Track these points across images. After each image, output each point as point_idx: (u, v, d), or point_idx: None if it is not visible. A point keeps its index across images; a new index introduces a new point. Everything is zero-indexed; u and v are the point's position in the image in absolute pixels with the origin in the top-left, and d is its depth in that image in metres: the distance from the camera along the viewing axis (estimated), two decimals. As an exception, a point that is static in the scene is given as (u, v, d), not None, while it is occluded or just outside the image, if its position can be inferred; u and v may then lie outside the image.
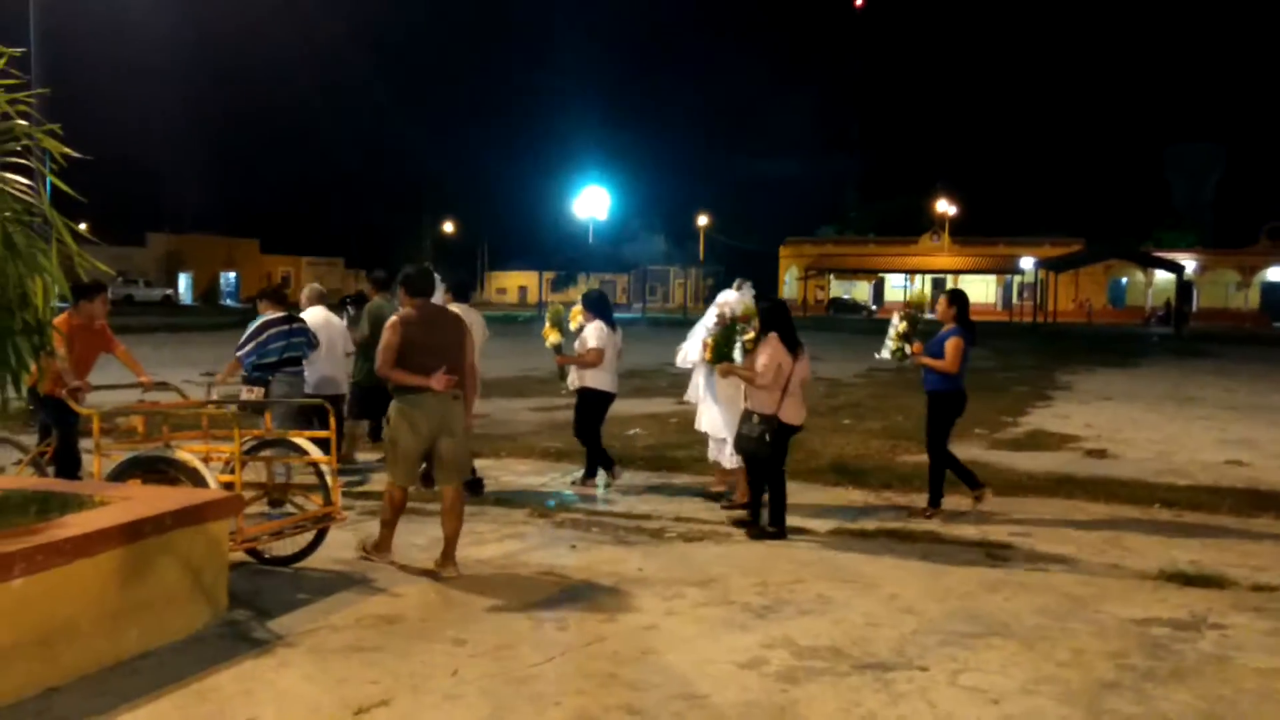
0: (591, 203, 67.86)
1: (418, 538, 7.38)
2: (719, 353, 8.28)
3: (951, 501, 8.67)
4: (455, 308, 7.73)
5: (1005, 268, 63.66)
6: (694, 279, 76.46)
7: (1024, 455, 11.55)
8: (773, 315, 8.10)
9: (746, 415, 7.96)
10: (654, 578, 6.64)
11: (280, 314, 9.18)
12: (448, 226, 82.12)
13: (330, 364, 10.01)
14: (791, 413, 7.84)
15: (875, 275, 69.78)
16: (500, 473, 9.94)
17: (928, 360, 8.42)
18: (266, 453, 7.01)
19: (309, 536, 6.74)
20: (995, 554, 7.28)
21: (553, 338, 9.70)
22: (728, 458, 8.55)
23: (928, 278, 65.16)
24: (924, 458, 10.47)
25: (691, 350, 8.87)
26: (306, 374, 9.47)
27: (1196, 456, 11.66)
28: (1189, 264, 61.15)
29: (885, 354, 8.62)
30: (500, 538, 7.61)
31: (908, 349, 8.53)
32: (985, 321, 53.33)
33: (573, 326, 9.63)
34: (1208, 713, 4.70)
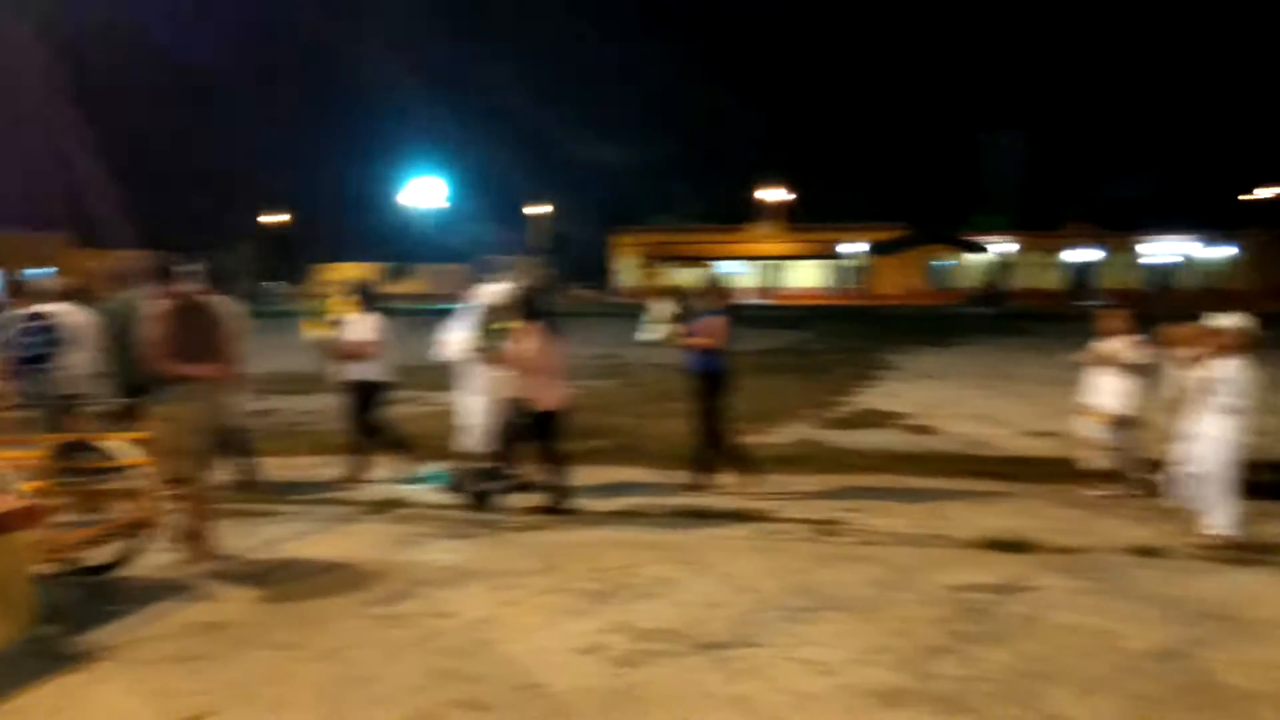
0: (424, 192, 66.60)
1: (249, 539, 7.12)
2: (484, 341, 8.41)
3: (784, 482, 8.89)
4: (216, 299, 7.50)
5: (834, 253, 65.67)
6: (533, 268, 76.17)
7: (852, 433, 11.91)
8: (531, 303, 8.22)
9: (511, 402, 8.10)
10: (490, 569, 6.58)
11: (29, 309, 8.66)
12: (278, 217, 79.40)
13: (82, 362, 9.39)
14: (552, 397, 7.98)
15: (707, 262, 70.90)
16: (320, 470, 9.63)
17: (698, 340, 8.63)
18: (78, 456, 6.61)
19: (127, 543, 6.40)
20: (827, 530, 7.49)
21: (317, 331, 9.49)
22: (485, 443, 8.57)
23: (759, 263, 66.73)
24: (760, 439, 10.69)
25: (455, 341, 8.92)
26: (58, 371, 8.91)
27: (1011, 429, 12.24)
28: (1004, 247, 64.38)
29: (650, 335, 8.86)
30: (328, 535, 7.41)
31: (672, 331, 8.86)
32: (815, 305, 54.94)
33: (333, 319, 9.43)
34: (1025, 670, 4.95)
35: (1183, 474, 7.09)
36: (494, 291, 8.67)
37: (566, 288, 63.41)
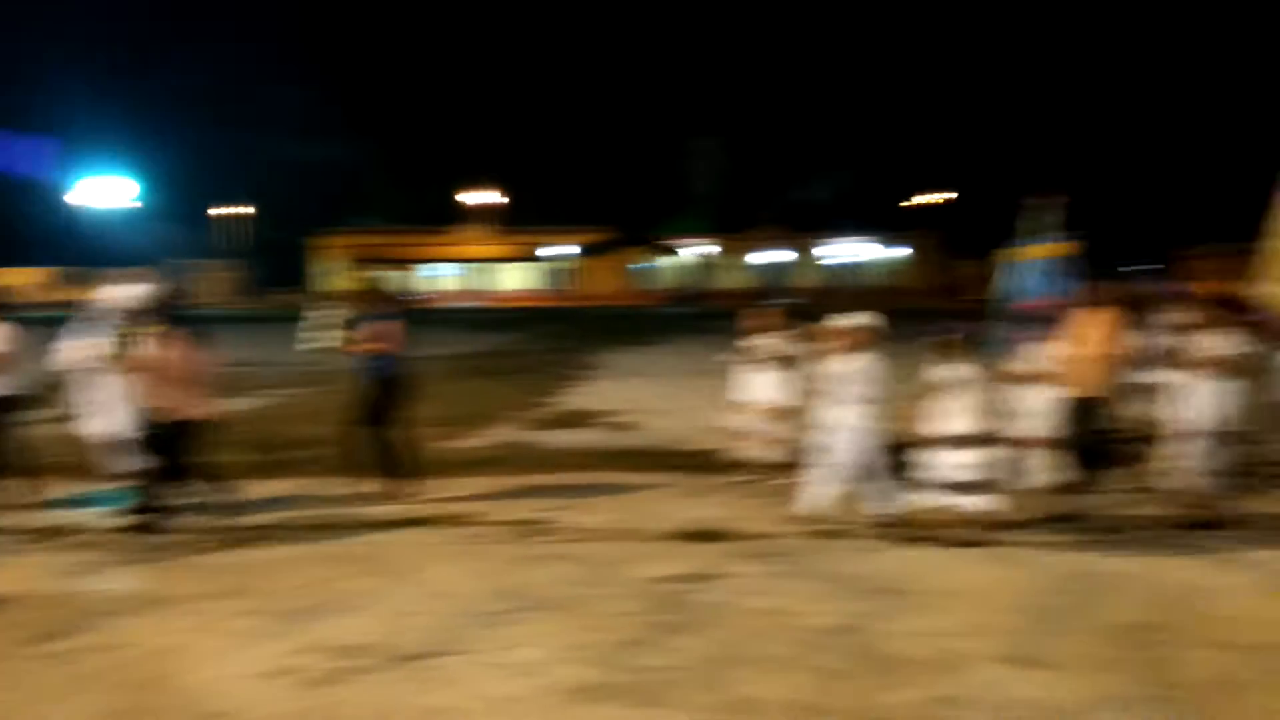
0: (106, 191, 61.61)
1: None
2: (115, 348, 7.95)
3: (475, 484, 8.84)
4: None
5: (543, 255, 66.37)
6: (234, 272, 72.09)
7: (557, 433, 12.00)
8: (168, 308, 7.83)
9: (149, 412, 7.55)
10: (175, 594, 6.13)
11: None
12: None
13: None
14: (192, 407, 7.51)
15: (413, 265, 69.68)
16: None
17: (367, 345, 8.46)
18: None
19: None
20: (529, 531, 7.49)
21: None
22: (128, 460, 8.06)
23: (467, 266, 66.42)
24: (462, 442, 10.57)
25: (73, 348, 8.40)
26: None
27: (708, 424, 12.71)
28: (703, 249, 67.23)
29: (313, 343, 8.60)
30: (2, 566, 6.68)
31: (340, 337, 8.60)
32: (525, 307, 55.27)
33: None
34: (717, 656, 5.14)
35: (827, 461, 7.49)
36: (126, 295, 8.06)
37: (264, 292, 60.56)
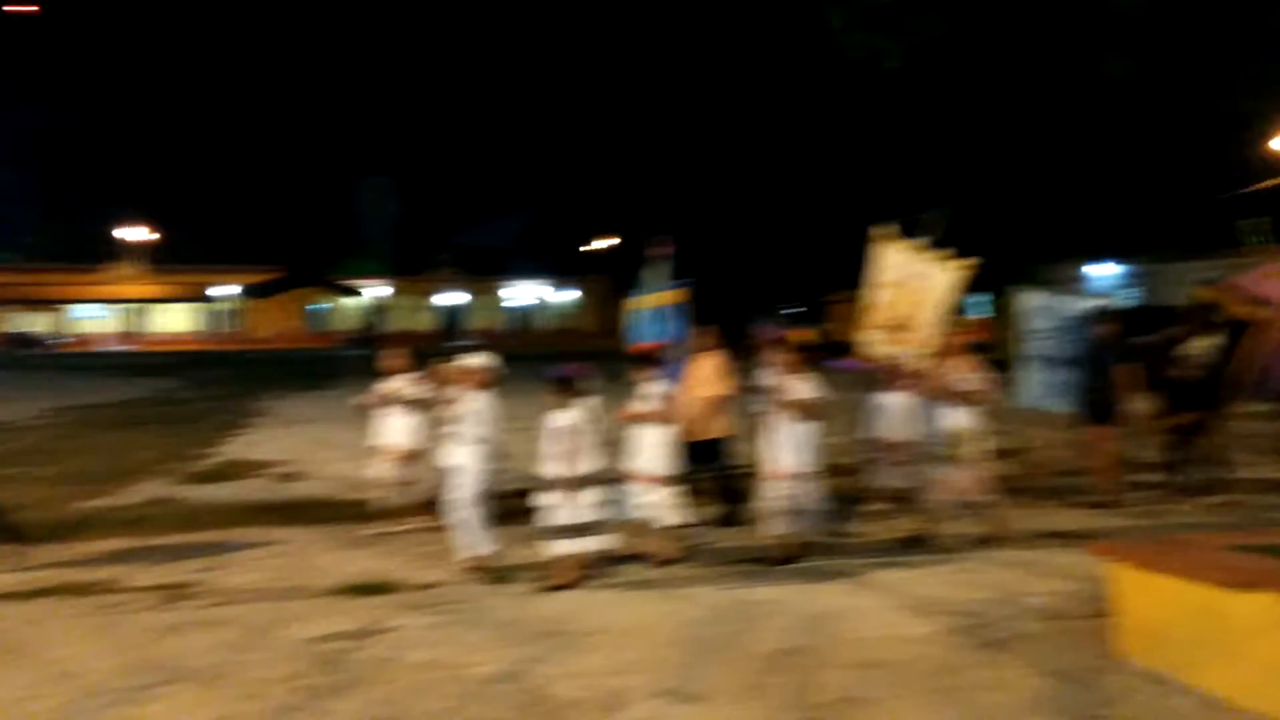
0: None
1: None
2: None
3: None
4: None
5: (206, 296, 62.67)
6: None
7: (216, 487, 11.29)
8: None
9: None
10: None
11: None
12: None
13: None
14: None
15: (62, 306, 63.79)
16: None
17: None
18: None
19: None
20: (176, 595, 6.96)
21: None
22: None
23: (122, 307, 61.52)
24: (105, 501, 9.77)
25: None
26: None
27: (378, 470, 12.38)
28: (379, 290, 65.86)
29: None
30: None
31: None
32: (185, 351, 51.86)
33: None
34: (375, 715, 4.96)
35: (450, 502, 7.48)
36: None
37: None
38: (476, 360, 7.60)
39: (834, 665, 5.52)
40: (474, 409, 7.41)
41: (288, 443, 15.00)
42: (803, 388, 7.78)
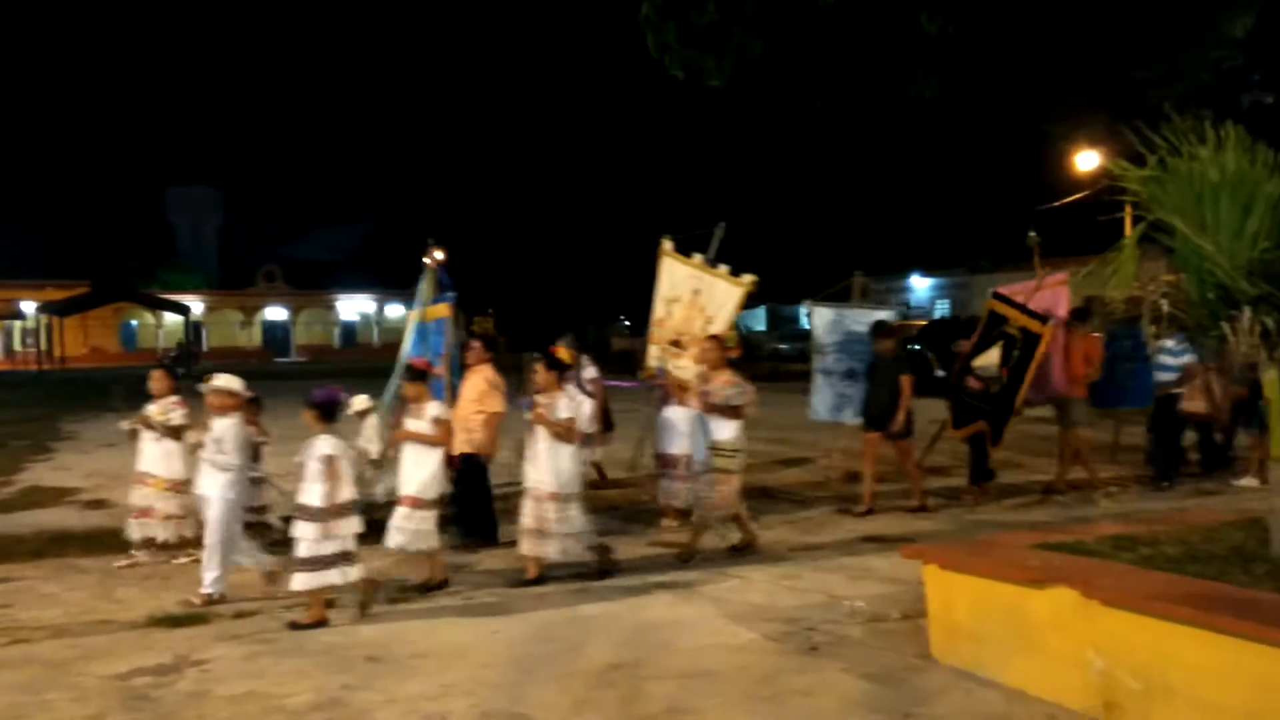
0: None
1: None
2: None
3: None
4: None
5: (3, 313, 58.73)
6: None
7: (16, 516, 10.60)
8: None
9: None
10: None
11: None
12: None
13: None
14: None
15: None
16: None
17: None
18: None
19: None
20: (-35, 635, 6.48)
21: None
22: None
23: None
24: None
25: None
26: None
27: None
28: (196, 305, 63.05)
29: None
30: None
31: None
32: (-17, 372, 48.52)
33: None
34: (181, 755, 4.71)
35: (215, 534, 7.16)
36: None
37: None
38: (223, 383, 7.35)
39: (661, 677, 5.56)
40: (220, 435, 7.15)
41: (93, 467, 14.21)
42: (563, 406, 7.62)
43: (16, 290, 59.14)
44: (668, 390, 9.72)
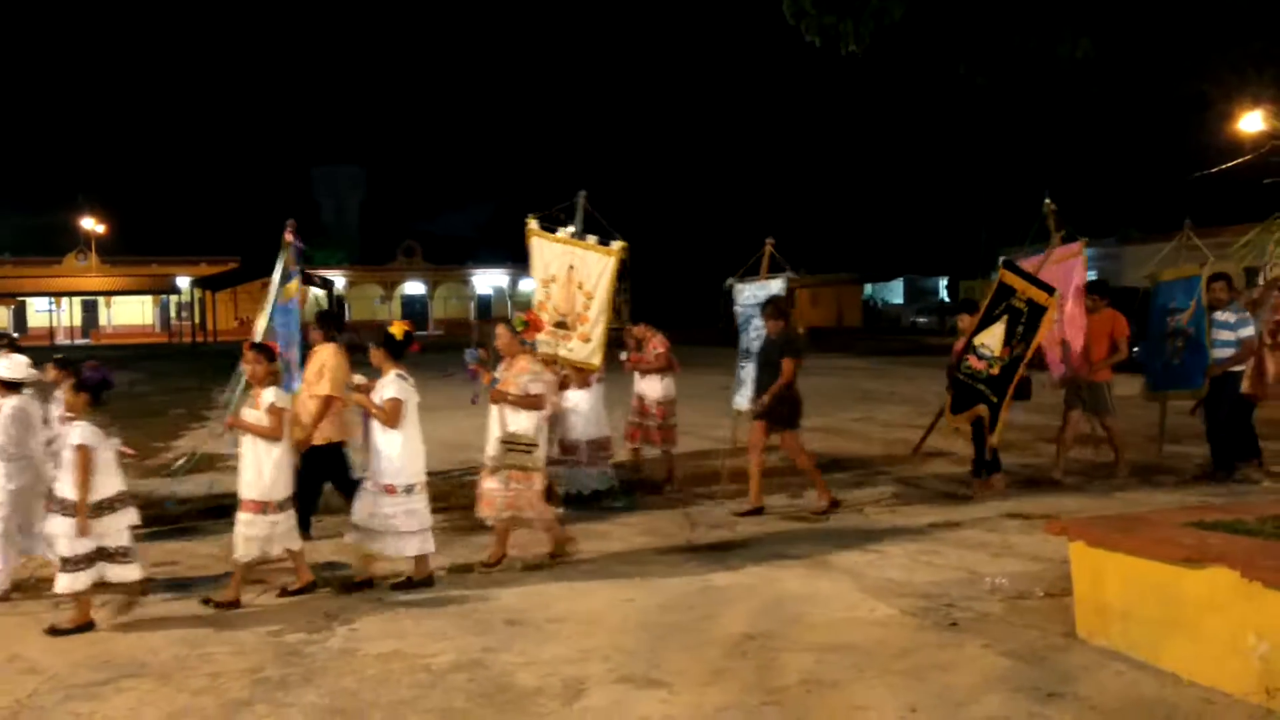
0: None
1: None
2: None
3: None
4: None
5: (161, 288, 61.70)
6: None
7: (188, 481, 11.15)
8: None
9: None
10: None
11: None
12: None
13: None
14: None
15: (15, 299, 62.60)
16: None
17: None
18: None
19: None
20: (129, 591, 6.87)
21: None
22: None
23: (76, 300, 60.51)
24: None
25: None
26: None
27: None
28: (339, 280, 65.17)
29: None
30: None
31: None
32: (143, 344, 51.19)
33: None
34: (332, 708, 4.90)
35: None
36: None
37: None
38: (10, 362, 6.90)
39: (796, 649, 5.53)
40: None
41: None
42: (392, 387, 6.85)
43: (172, 266, 62.04)
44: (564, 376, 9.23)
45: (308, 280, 59.79)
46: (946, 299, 51.70)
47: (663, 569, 7.21)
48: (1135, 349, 10.76)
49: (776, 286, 10.13)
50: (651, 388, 10.22)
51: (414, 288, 71.41)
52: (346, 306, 66.57)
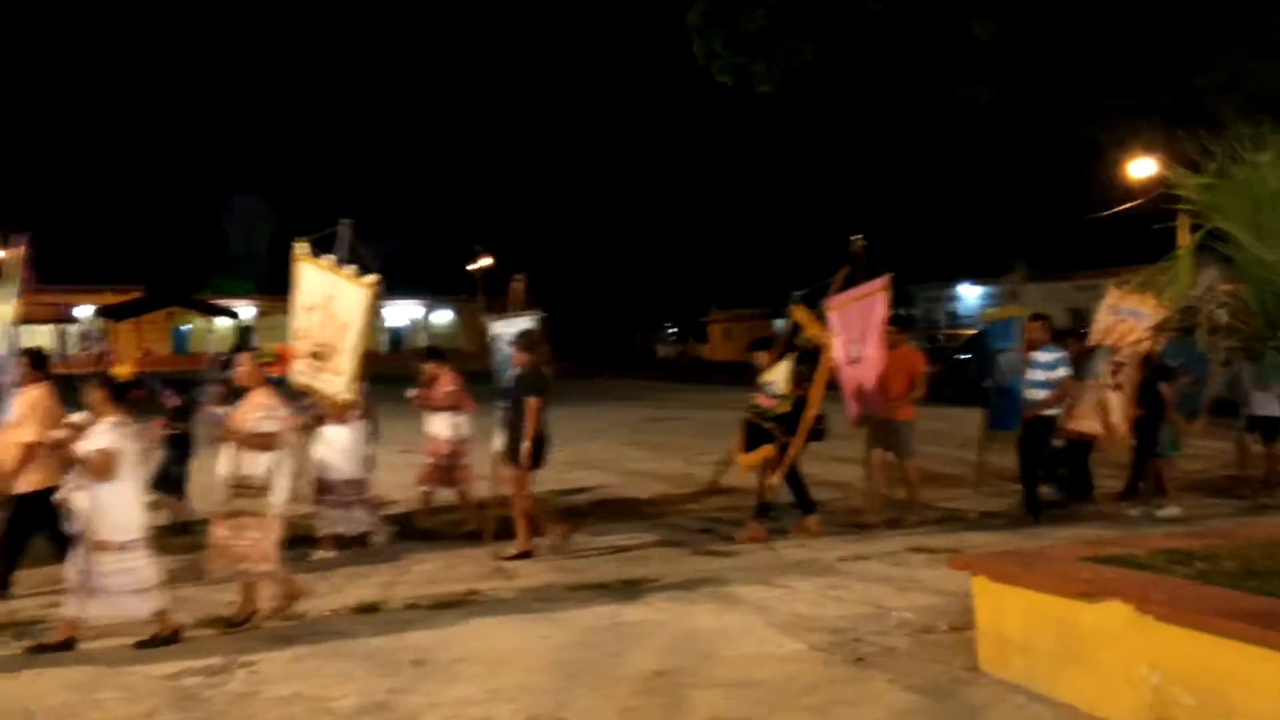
0: None
1: None
2: None
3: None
4: None
5: (61, 317, 59.84)
6: None
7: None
8: None
9: None
10: None
11: None
12: None
13: None
14: None
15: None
16: None
17: None
18: None
19: None
20: (22, 632, 6.60)
21: None
22: None
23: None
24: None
25: None
26: None
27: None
28: (247, 310, 63.90)
29: None
30: None
31: None
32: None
33: None
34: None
35: None
36: None
37: None
38: None
39: (705, 685, 5.53)
40: None
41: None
42: (106, 436, 6.29)
43: (74, 294, 60.19)
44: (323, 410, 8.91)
45: (211, 310, 58.60)
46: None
47: (573, 605, 7.17)
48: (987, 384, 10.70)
49: (526, 323, 9.86)
50: (442, 427, 9.74)
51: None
52: (254, 337, 65.24)
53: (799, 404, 9.14)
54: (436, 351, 10.40)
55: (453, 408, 9.77)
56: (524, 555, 8.59)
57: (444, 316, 73.67)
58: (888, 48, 12.46)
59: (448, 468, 9.76)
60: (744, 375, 9.89)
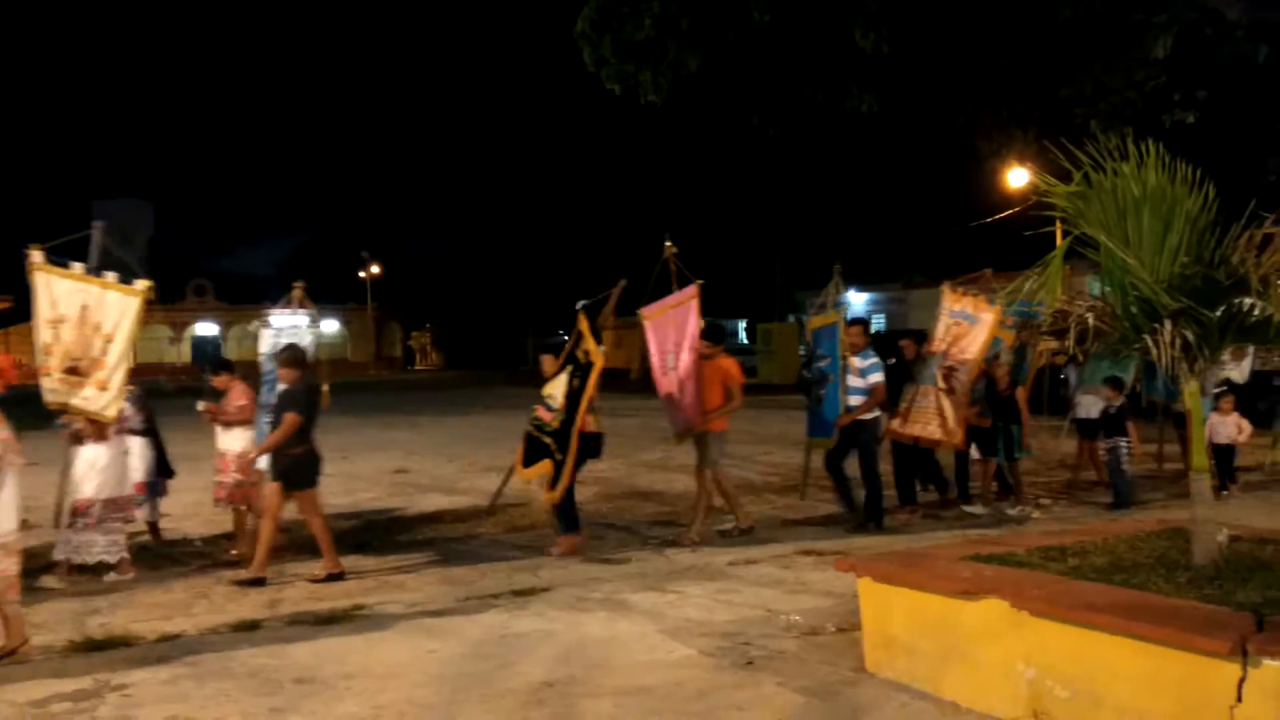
0: None
1: None
2: None
3: None
4: None
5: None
6: None
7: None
8: None
9: None
10: None
11: None
12: None
13: None
14: None
15: None
16: None
17: None
18: None
19: None
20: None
21: None
22: None
23: None
24: None
25: None
26: None
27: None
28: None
29: None
30: None
31: None
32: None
33: None
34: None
35: None
36: None
37: None
38: None
39: (596, 694, 5.51)
40: None
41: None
42: None
43: (-62, 305, 57.35)
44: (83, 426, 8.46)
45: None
46: (745, 340, 53.31)
47: (462, 617, 7.08)
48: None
49: (303, 322, 9.67)
50: (233, 443, 9.21)
51: (206, 328, 68.39)
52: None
53: (566, 419, 8.88)
54: (225, 363, 9.88)
55: (245, 422, 9.25)
56: (336, 577, 8.24)
57: (331, 326, 72.22)
58: (774, 58, 12.62)
59: (235, 485, 9.16)
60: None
